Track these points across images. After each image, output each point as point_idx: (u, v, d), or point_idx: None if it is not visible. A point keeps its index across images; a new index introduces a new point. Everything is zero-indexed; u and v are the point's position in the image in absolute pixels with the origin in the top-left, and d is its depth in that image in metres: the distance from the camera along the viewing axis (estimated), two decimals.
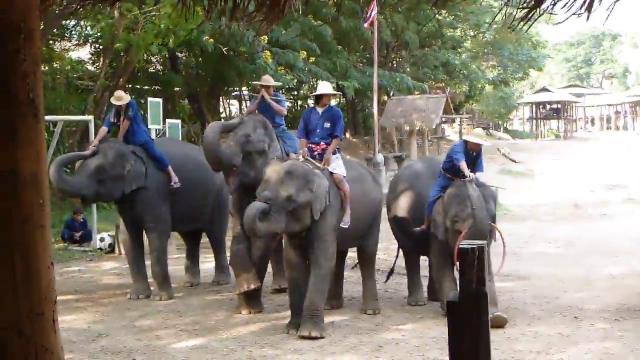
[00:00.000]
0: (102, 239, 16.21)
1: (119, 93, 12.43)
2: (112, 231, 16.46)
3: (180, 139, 17.70)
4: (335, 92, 10.61)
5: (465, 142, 10.78)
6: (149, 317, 10.33)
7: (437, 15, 38.28)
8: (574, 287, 11.97)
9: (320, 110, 10.22)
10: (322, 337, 9.04)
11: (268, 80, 11.45)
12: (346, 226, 9.82)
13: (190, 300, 11.47)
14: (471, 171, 10.32)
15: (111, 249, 16.06)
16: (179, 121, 19.17)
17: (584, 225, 19.54)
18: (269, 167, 9.52)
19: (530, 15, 3.53)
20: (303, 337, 9.04)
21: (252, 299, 10.52)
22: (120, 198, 11.73)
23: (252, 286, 10.33)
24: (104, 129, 12.06)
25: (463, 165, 10.26)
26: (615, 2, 3.44)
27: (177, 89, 27.73)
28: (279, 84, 16.57)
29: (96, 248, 16.11)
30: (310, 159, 9.76)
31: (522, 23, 3.59)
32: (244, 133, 10.37)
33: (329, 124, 10.08)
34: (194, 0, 3.87)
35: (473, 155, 10.59)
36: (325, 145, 9.95)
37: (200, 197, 12.34)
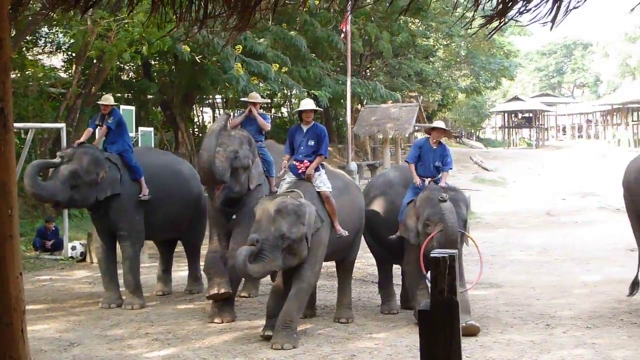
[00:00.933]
0: (73, 248, 16.09)
1: (107, 95, 12.58)
2: (83, 240, 16.37)
3: (152, 146, 17.65)
4: (316, 108, 10.64)
5: (428, 138, 10.90)
6: (120, 326, 10.25)
7: (410, 25, 38.46)
8: (546, 294, 12.02)
9: (305, 127, 10.31)
10: (294, 348, 9.03)
11: (255, 97, 11.65)
12: (345, 235, 9.99)
13: (162, 309, 11.41)
14: (439, 169, 10.55)
15: (83, 257, 15.95)
16: (151, 129, 19.16)
17: (556, 233, 19.64)
18: (259, 206, 9.52)
19: (498, 25, 3.55)
20: (275, 348, 9.02)
21: (224, 308, 10.49)
22: (94, 205, 11.68)
23: (223, 290, 10.29)
24: (89, 130, 12.14)
25: (411, 168, 10.57)
26: (571, 9, 3.45)
27: (150, 96, 27.65)
28: (267, 100, 16.69)
29: (68, 256, 15.98)
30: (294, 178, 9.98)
31: (488, 31, 3.61)
32: (233, 149, 10.42)
33: (313, 142, 10.20)
34: (166, 8, 3.85)
35: (437, 150, 10.67)
36: (309, 163, 10.01)
37: (177, 206, 12.30)
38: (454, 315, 3.48)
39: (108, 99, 12.17)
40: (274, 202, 9.34)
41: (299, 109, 10.64)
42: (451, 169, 10.85)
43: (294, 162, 10.17)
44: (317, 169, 10.06)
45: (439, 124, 11.22)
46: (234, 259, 8.94)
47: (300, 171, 10.06)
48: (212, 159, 10.10)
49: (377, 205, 11.09)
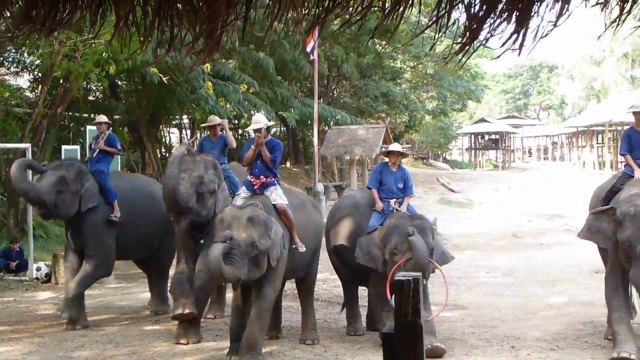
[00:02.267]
0: (38, 269, 15.95)
1: (102, 115, 13.31)
2: (49, 260, 16.25)
3: (119, 167, 17.60)
4: (268, 123, 10.58)
5: (386, 162, 11.01)
6: (85, 348, 10.18)
7: (377, 47, 38.62)
8: (512, 316, 12.07)
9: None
10: None
11: (214, 120, 12.13)
12: (303, 250, 10.00)
13: (128, 330, 11.34)
14: (401, 193, 10.61)
15: (48, 278, 15.81)
16: (77, 147, 19.11)
17: (522, 255, 19.72)
18: (228, 212, 9.43)
19: (466, 49, 3.58)
20: None
21: (190, 329, 10.45)
22: (73, 218, 11.88)
23: (188, 310, 10.27)
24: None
25: (374, 193, 10.64)
26: (540, 38, 3.49)
27: (117, 117, 27.54)
28: (272, 123, 16.79)
29: (32, 277, 15.83)
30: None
31: (458, 56, 3.64)
32: (197, 175, 10.52)
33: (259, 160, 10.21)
34: (130, 30, 3.85)
35: (396, 172, 10.75)
36: (265, 179, 10.00)
37: (149, 226, 12.36)
38: (418, 337, 3.50)
39: (102, 118, 12.81)
40: (246, 210, 9.29)
41: (250, 127, 10.63)
42: (412, 193, 10.92)
43: (249, 178, 10.17)
44: (272, 184, 10.08)
45: (394, 147, 11.26)
46: (212, 259, 8.82)
47: (255, 187, 10.06)
48: (176, 186, 10.19)
49: (344, 227, 11.06)
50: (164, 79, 21.63)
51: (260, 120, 10.45)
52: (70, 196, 11.67)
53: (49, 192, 11.47)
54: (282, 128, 40.19)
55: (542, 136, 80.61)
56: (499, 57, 3.80)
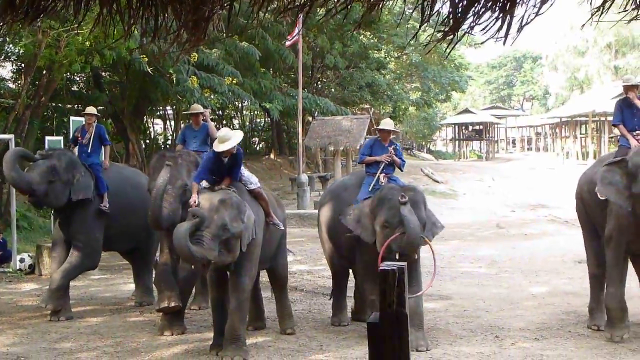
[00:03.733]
0: (22, 260, 15.88)
1: (91, 107, 13.15)
2: (32, 252, 16.18)
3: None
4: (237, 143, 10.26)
5: (378, 137, 10.88)
6: (69, 340, 10.15)
7: (361, 37, 38.61)
8: (496, 306, 12.10)
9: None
10: None
11: (197, 108, 12.54)
12: (280, 226, 10.12)
13: (112, 322, 11.32)
14: (391, 168, 10.52)
15: (31, 269, 15.74)
16: (61, 138, 19.03)
17: (506, 245, 19.78)
18: (201, 195, 9.26)
19: (452, 40, 3.58)
20: None
21: (174, 321, 10.45)
22: (63, 208, 11.92)
23: (173, 303, 10.26)
24: (72, 146, 12.92)
25: (367, 160, 10.53)
26: (524, 25, 3.49)
27: (101, 107, 27.46)
28: (208, 111, 16.72)
29: (16, 269, 15.75)
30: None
31: (442, 45, 3.64)
32: (180, 184, 10.49)
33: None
34: (113, 19, 3.84)
35: (388, 149, 10.58)
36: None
37: (137, 217, 12.29)
38: (403, 327, 3.50)
39: (92, 110, 12.73)
40: (218, 193, 9.14)
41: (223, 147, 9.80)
42: (404, 165, 10.81)
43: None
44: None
45: (385, 124, 11.03)
46: (177, 235, 8.72)
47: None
48: (160, 210, 10.19)
49: (333, 207, 10.98)
50: (148, 69, 21.57)
51: (230, 138, 9.67)
52: (61, 186, 11.69)
53: (40, 181, 11.49)
54: (266, 119, 40.18)
55: (525, 127, 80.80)
56: (482, 43, 3.79)
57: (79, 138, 12.47)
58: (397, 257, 9.25)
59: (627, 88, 10.56)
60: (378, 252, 9.51)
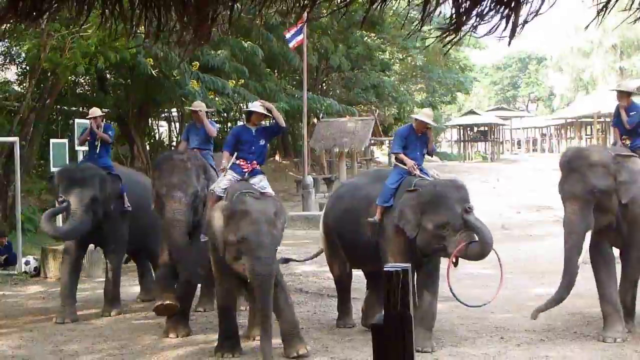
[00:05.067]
0: (27, 263, 15.89)
1: (95, 108, 12.96)
2: (37, 255, 16.19)
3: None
4: (266, 114, 10.24)
5: (411, 126, 10.55)
6: (75, 342, 10.16)
7: (365, 39, 38.61)
8: (501, 308, 12.06)
9: (253, 128, 9.99)
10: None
11: (199, 105, 12.02)
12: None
13: (117, 324, 11.32)
14: (425, 154, 10.40)
15: (37, 272, 15.75)
16: (65, 140, 19.06)
17: (511, 247, 19.68)
18: (248, 203, 8.93)
19: (453, 39, 3.57)
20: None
21: (180, 322, 10.44)
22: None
23: (168, 302, 10.22)
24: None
25: (401, 156, 10.17)
26: (526, 23, 3.48)
27: (106, 110, 27.49)
28: (211, 109, 16.66)
29: (21, 272, 15.77)
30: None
31: (444, 46, 3.63)
32: (192, 192, 10.44)
33: (263, 141, 10.02)
34: (116, 21, 3.83)
35: (422, 137, 10.35)
36: (256, 165, 9.82)
37: (146, 217, 12.31)
38: (407, 329, 3.49)
39: (97, 111, 12.63)
40: (268, 203, 9.09)
41: (248, 109, 10.25)
42: (435, 150, 10.68)
43: (239, 162, 9.75)
44: (260, 172, 9.87)
45: (423, 116, 10.58)
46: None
47: (246, 171, 9.68)
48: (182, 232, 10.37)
49: (346, 207, 10.66)
50: (153, 72, 21.58)
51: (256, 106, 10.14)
52: (99, 206, 11.76)
53: (83, 227, 11.60)
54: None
55: (530, 128, 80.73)
56: (484, 47, 3.78)
57: (89, 139, 12.50)
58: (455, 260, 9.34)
59: (618, 95, 10.79)
60: (417, 244, 9.50)
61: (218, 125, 12.22)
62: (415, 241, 9.58)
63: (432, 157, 10.60)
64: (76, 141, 15.76)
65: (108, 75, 28.26)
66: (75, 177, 11.76)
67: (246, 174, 9.70)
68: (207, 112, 12.21)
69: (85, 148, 14.85)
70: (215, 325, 9.89)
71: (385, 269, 3.51)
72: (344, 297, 11.10)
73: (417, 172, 10.05)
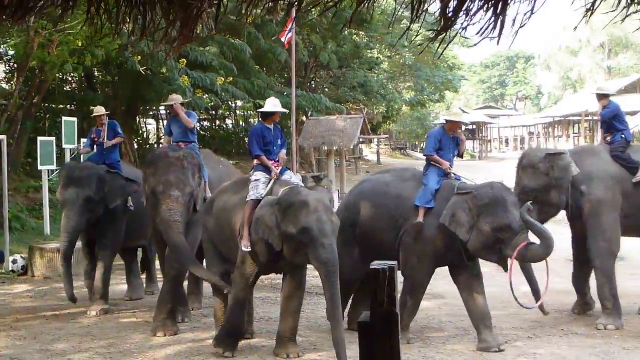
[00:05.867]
0: (14, 261, 15.80)
1: (99, 107, 13.17)
2: (25, 253, 16.11)
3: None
4: (284, 110, 10.20)
5: (443, 125, 10.64)
6: (62, 341, 10.12)
7: (354, 37, 38.58)
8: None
9: (272, 127, 9.98)
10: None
11: (176, 98, 11.82)
12: None
13: (105, 323, 11.28)
14: (458, 155, 10.50)
15: (24, 271, 15.66)
16: (53, 138, 19.02)
17: None
18: (309, 195, 8.85)
19: (443, 40, 3.56)
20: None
21: (167, 321, 10.41)
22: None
23: (169, 334, 10.34)
24: (86, 149, 13.39)
25: (435, 158, 10.18)
26: (519, 27, 3.48)
27: (93, 107, 27.41)
28: (186, 100, 16.57)
29: (8, 270, 15.69)
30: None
31: (433, 45, 3.62)
32: (189, 192, 10.41)
33: (280, 140, 9.99)
34: (102, 18, 3.81)
35: (453, 138, 10.46)
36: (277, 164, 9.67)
37: (144, 215, 12.29)
38: (394, 327, 3.49)
39: (101, 109, 12.81)
40: (321, 194, 9.17)
41: (267, 109, 10.12)
42: (466, 148, 10.76)
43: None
44: (287, 168, 9.80)
45: (454, 115, 10.86)
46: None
47: (275, 169, 9.49)
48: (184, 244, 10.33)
49: (374, 203, 10.41)
50: (140, 69, 21.53)
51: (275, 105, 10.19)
52: (97, 206, 11.80)
53: (79, 228, 11.81)
54: (259, 119, 40.15)
55: (518, 126, 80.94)
56: (475, 45, 3.77)
57: (96, 138, 12.53)
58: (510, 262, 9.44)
59: (598, 97, 11.51)
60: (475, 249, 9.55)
61: (197, 116, 12.01)
62: (458, 244, 9.59)
63: (462, 158, 10.55)
64: (81, 145, 15.87)
65: (96, 73, 28.19)
66: (72, 176, 11.87)
67: (277, 172, 9.52)
68: (182, 103, 11.95)
69: (73, 146, 14.82)
70: (204, 323, 9.91)
71: (371, 266, 3.49)
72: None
73: (452, 173, 10.20)
